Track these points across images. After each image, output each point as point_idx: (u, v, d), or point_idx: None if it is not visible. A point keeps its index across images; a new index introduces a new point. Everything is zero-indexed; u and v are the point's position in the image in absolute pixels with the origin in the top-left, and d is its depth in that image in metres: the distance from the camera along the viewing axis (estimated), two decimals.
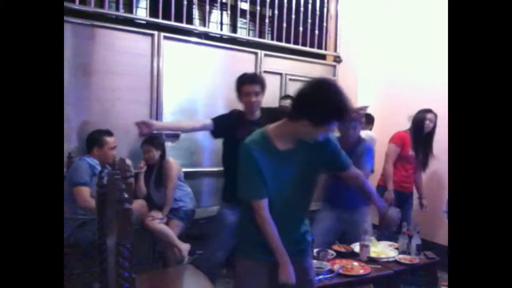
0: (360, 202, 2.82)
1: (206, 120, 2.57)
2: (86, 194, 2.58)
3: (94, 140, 2.80)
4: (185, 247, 2.93)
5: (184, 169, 3.27)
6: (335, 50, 4.47)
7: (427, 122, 3.22)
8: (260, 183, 1.57)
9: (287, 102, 3.45)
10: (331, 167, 1.75)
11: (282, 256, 1.59)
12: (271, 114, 2.45)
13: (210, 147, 3.62)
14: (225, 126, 2.49)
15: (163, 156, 3.06)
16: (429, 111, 3.26)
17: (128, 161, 2.89)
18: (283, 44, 4.08)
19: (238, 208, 2.00)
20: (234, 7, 3.94)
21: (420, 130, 3.24)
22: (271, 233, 1.58)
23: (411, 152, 3.26)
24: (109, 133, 2.85)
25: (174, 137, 3.37)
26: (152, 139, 3.04)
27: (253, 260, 1.69)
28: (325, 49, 4.44)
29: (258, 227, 1.60)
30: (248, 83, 2.43)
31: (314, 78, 1.58)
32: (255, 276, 1.68)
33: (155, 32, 3.30)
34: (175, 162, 3.08)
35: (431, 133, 3.26)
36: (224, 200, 2.59)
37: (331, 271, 2.22)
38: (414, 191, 3.47)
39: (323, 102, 1.46)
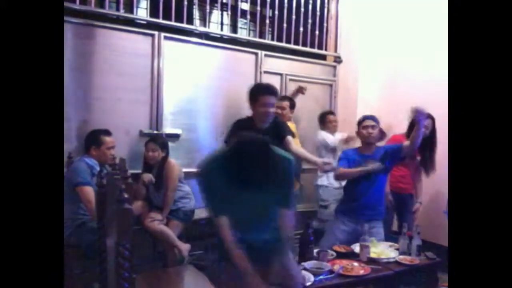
0: (379, 215, 2.80)
1: None
2: (90, 193, 2.56)
3: (92, 139, 2.80)
4: (185, 247, 2.93)
5: (184, 169, 3.27)
6: (336, 50, 4.47)
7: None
8: (216, 201, 1.73)
9: (285, 104, 3.47)
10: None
11: (246, 273, 1.68)
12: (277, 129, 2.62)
13: (210, 147, 3.62)
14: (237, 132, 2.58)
15: (166, 157, 3.05)
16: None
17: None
18: (283, 44, 4.08)
19: None
20: (234, 8, 3.95)
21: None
22: (232, 251, 1.70)
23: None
24: (107, 132, 2.84)
25: (175, 137, 3.37)
26: (158, 139, 3.05)
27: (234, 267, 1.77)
28: (326, 49, 4.44)
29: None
30: (267, 94, 2.49)
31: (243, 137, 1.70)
32: (239, 282, 1.74)
33: (156, 32, 3.31)
34: (176, 164, 3.06)
35: (429, 137, 3.07)
36: None
37: (331, 271, 2.22)
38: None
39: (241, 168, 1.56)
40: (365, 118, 2.80)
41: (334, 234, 2.75)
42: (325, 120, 3.86)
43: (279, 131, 2.64)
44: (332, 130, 3.86)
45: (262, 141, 1.67)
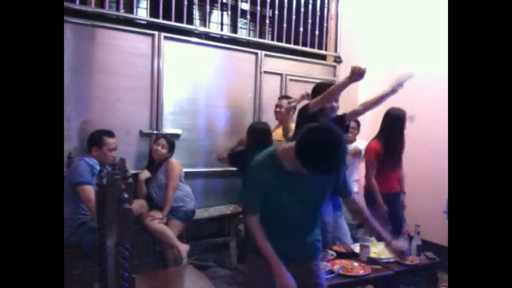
0: (336, 209, 2.91)
1: None
2: (91, 192, 2.55)
3: (94, 140, 2.80)
4: (184, 248, 2.92)
5: (184, 169, 3.28)
6: (335, 50, 4.47)
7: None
8: (256, 200, 1.67)
9: (284, 102, 3.45)
10: (333, 191, 1.79)
11: (277, 267, 1.63)
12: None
13: (210, 147, 3.62)
14: None
15: (170, 157, 3.09)
16: (403, 113, 3.21)
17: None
18: (283, 44, 4.08)
19: None
20: (234, 8, 3.94)
21: (399, 134, 3.17)
22: (264, 246, 1.65)
23: (388, 157, 3.18)
24: (110, 134, 2.84)
25: (175, 136, 3.38)
26: (169, 138, 3.15)
27: (262, 260, 1.71)
28: (325, 49, 4.44)
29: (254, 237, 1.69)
30: None
31: (314, 125, 1.53)
32: (262, 276, 1.71)
33: (156, 32, 3.30)
34: (177, 163, 3.09)
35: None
36: None
37: (331, 271, 2.22)
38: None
39: (318, 155, 1.44)
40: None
41: None
42: None
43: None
44: (350, 138, 3.59)
45: (335, 130, 1.51)
